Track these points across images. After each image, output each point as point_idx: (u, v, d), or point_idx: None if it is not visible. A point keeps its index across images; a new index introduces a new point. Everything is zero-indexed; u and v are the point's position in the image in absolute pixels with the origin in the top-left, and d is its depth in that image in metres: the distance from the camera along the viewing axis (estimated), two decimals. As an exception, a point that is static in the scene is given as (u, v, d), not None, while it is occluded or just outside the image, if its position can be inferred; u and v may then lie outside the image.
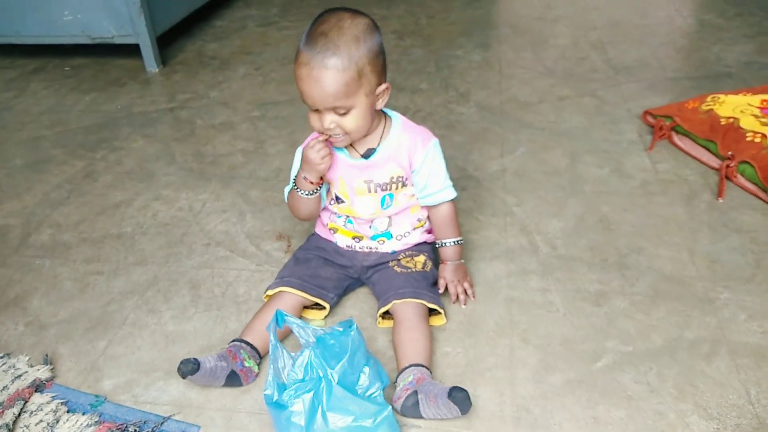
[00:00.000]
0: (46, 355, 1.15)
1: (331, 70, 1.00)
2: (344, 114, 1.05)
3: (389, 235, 1.24)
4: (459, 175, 1.64)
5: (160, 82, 2.29)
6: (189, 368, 1.02)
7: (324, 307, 1.22)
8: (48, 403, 1.04)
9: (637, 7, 2.78)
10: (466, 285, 1.25)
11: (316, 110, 1.06)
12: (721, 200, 1.51)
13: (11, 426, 0.99)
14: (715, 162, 1.63)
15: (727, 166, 1.56)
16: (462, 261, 1.27)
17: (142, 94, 2.19)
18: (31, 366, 1.12)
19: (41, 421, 1.01)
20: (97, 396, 1.07)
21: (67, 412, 1.03)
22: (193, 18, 2.73)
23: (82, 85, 2.27)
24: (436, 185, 1.20)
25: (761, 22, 2.53)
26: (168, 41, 2.55)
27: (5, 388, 1.04)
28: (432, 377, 1.06)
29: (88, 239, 1.49)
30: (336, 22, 1.02)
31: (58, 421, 1.01)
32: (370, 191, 1.18)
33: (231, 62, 2.42)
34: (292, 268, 1.25)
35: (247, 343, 1.11)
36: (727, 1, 2.78)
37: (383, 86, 1.08)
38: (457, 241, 1.25)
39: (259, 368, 1.10)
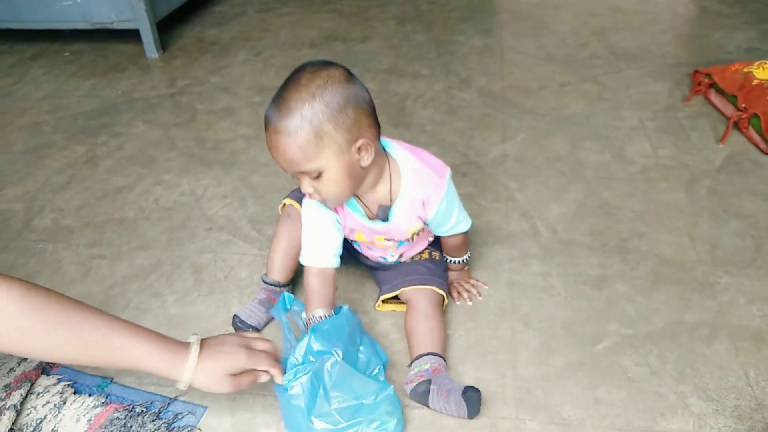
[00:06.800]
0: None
1: (283, 134, 0.91)
2: (317, 178, 0.95)
3: (399, 261, 1.21)
4: (460, 161, 1.64)
5: (160, 67, 2.28)
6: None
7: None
8: (54, 384, 1.05)
9: (639, -7, 2.78)
10: (468, 285, 1.24)
11: None
12: (721, 145, 1.65)
13: (18, 407, 0.99)
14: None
15: (740, 117, 1.66)
16: (467, 268, 1.27)
17: (142, 80, 2.18)
18: (37, 348, 1.12)
19: (48, 402, 1.02)
20: (103, 377, 1.08)
21: (74, 393, 1.04)
22: (193, 4, 2.72)
23: (82, 71, 2.27)
24: (449, 224, 1.14)
25: (763, 9, 2.53)
26: (168, 27, 2.54)
27: (12, 370, 1.05)
28: (447, 368, 1.06)
29: (90, 224, 1.49)
30: (296, 79, 0.93)
31: (65, 403, 1.02)
32: (389, 244, 1.15)
33: (231, 48, 2.41)
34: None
35: (283, 285, 1.21)
36: (728, -12, 2.77)
37: (360, 142, 0.94)
38: (465, 260, 1.24)
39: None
